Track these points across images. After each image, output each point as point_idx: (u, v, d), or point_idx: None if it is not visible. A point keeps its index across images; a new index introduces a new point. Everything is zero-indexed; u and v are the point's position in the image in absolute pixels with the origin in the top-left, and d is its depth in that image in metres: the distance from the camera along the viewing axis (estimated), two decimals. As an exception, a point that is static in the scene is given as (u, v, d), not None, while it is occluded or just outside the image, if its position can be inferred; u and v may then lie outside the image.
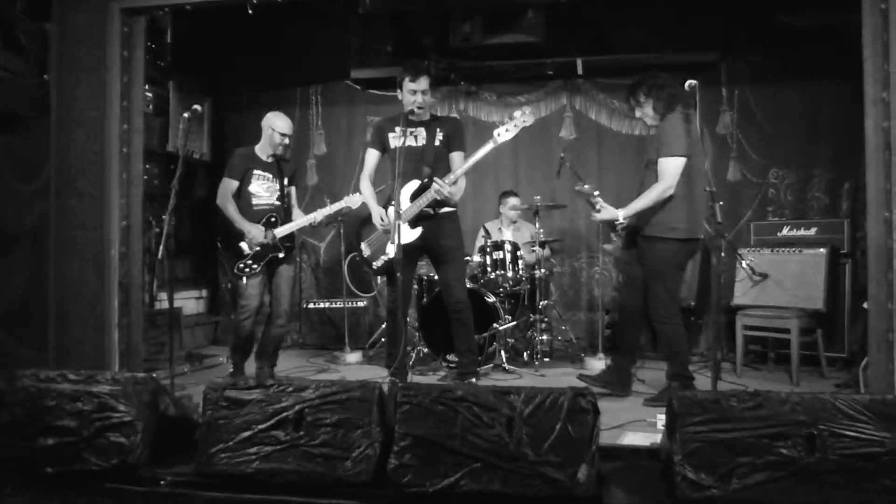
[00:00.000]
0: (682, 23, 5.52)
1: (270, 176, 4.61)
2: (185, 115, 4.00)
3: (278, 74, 6.50)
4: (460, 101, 6.41)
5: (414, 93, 3.97)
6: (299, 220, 4.61)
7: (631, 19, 5.62)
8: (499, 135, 3.82)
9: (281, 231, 4.52)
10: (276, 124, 4.56)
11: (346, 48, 6.17)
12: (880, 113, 3.68)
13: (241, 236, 4.49)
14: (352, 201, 4.61)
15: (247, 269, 4.47)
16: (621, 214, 3.81)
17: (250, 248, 4.49)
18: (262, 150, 4.63)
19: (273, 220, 4.53)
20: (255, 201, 4.57)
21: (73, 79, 4.51)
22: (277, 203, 4.60)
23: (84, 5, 4.50)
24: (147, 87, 5.49)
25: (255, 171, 4.58)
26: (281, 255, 4.51)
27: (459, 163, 4.01)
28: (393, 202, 3.78)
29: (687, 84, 3.36)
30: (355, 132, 6.60)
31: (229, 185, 4.55)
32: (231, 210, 4.50)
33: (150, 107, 5.80)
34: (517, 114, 3.82)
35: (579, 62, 5.86)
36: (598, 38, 5.77)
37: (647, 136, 4.00)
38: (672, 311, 3.87)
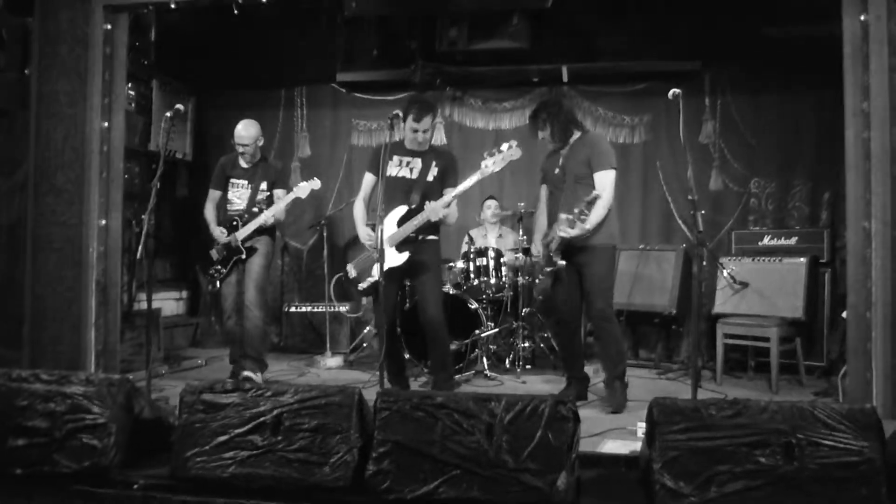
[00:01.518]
0: (665, 32, 5.56)
1: (245, 182, 4.71)
2: (168, 114, 3.95)
3: (263, 75, 6.46)
4: (446, 106, 6.41)
5: (416, 131, 4.01)
6: (256, 219, 4.58)
7: (615, 28, 5.65)
8: (486, 166, 3.82)
9: (241, 233, 4.59)
10: (236, 132, 4.66)
11: (331, 50, 6.15)
12: (860, 123, 3.73)
13: (210, 245, 4.68)
14: (302, 190, 4.61)
15: (217, 275, 4.68)
16: (588, 227, 3.86)
17: (218, 254, 4.65)
18: (244, 158, 4.75)
19: (234, 223, 4.63)
20: (229, 208, 4.74)
21: (54, 75, 4.46)
22: (244, 208, 4.67)
23: (67, 1, 4.45)
24: (130, 85, 5.45)
25: (232, 179, 4.74)
26: (243, 256, 4.63)
27: (453, 190, 4.03)
28: (382, 222, 3.81)
29: (670, 93, 3.38)
30: (340, 135, 6.58)
31: (212, 195, 4.80)
32: (209, 218, 4.75)
33: (133, 105, 5.74)
34: (505, 147, 3.82)
35: (564, 69, 5.88)
36: (582, 45, 5.80)
37: (561, 154, 4.13)
38: (613, 312, 4.16)
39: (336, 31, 6.01)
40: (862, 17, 3.70)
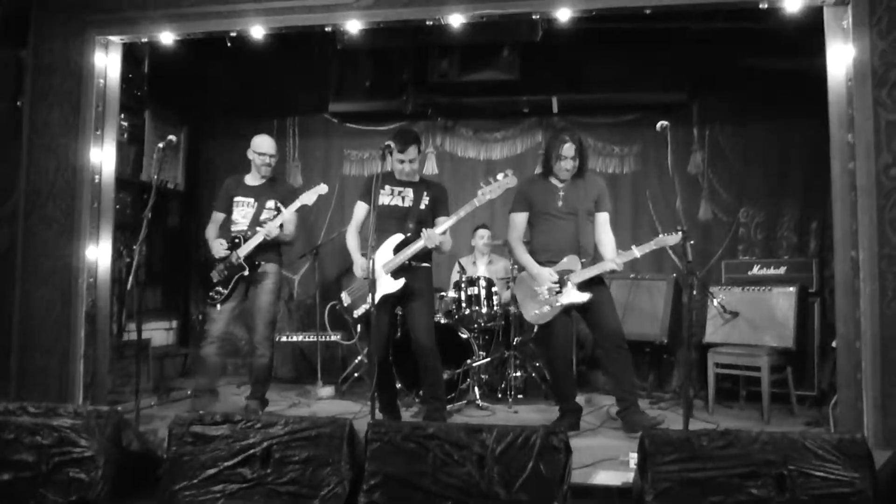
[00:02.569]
0: (653, 64, 5.65)
1: (251, 200, 4.58)
2: (160, 145, 3.97)
3: (256, 105, 6.50)
4: (437, 136, 6.47)
5: (402, 162, 4.08)
6: (257, 234, 4.42)
7: (604, 60, 5.74)
8: (483, 195, 3.93)
9: (243, 250, 4.43)
10: (256, 143, 4.59)
11: (324, 81, 6.21)
12: (846, 155, 3.78)
13: (211, 267, 4.52)
14: (308, 197, 4.47)
15: (217, 297, 4.48)
16: (620, 262, 4.08)
17: (219, 274, 4.50)
18: (252, 177, 4.66)
19: (237, 241, 4.48)
20: (233, 228, 4.59)
21: (47, 106, 4.48)
22: (248, 227, 4.51)
23: (61, 33, 4.49)
24: (122, 115, 5.46)
25: (237, 198, 4.60)
26: (246, 273, 4.43)
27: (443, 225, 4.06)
28: (378, 250, 3.83)
29: (658, 125, 3.42)
30: (332, 165, 6.61)
31: (215, 217, 4.66)
32: (208, 236, 4.59)
33: (125, 135, 5.76)
34: (500, 176, 3.93)
35: (554, 100, 5.96)
36: (572, 77, 5.88)
37: (557, 187, 4.23)
38: None
39: (328, 61, 6.08)
40: (846, 51, 3.77)
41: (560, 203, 4.16)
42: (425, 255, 4.09)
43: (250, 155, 4.62)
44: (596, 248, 4.26)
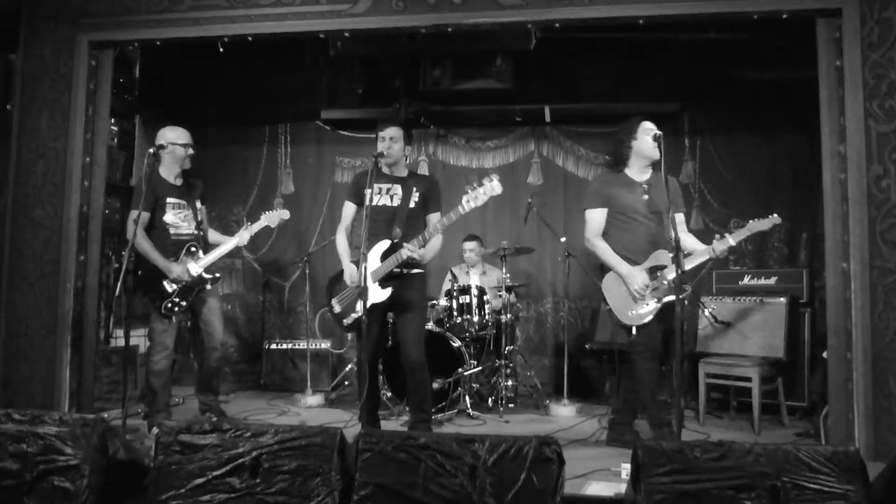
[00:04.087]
0: (645, 74, 5.69)
1: (184, 202, 4.34)
2: (151, 150, 3.93)
3: (247, 112, 6.48)
4: (430, 144, 6.46)
5: (382, 140, 3.97)
6: (222, 246, 4.37)
7: (597, 69, 5.77)
8: (467, 201, 3.73)
9: (205, 261, 4.32)
10: (170, 136, 4.27)
11: (316, 88, 6.20)
12: (837, 166, 3.80)
13: (160, 274, 4.20)
14: (270, 219, 4.48)
15: (176, 309, 4.23)
16: (720, 250, 3.80)
17: (174, 285, 4.22)
18: (169, 172, 4.33)
19: (193, 249, 4.30)
20: (172, 232, 4.27)
21: (36, 109, 4.46)
22: (195, 232, 4.35)
23: (52, 37, 4.47)
24: (113, 120, 5.43)
25: (169, 200, 4.27)
26: (209, 286, 4.32)
27: (436, 223, 3.98)
28: (365, 257, 3.77)
29: (651, 135, 3.42)
30: (324, 172, 6.59)
31: (141, 217, 3.99)
32: (147, 246, 4.15)
33: (115, 140, 5.73)
34: (486, 181, 3.74)
35: (547, 109, 5.98)
36: (565, 86, 5.91)
37: (640, 185, 3.96)
38: None
39: (321, 69, 6.07)
40: (837, 63, 3.79)
41: (646, 199, 3.91)
42: (415, 261, 3.97)
43: (168, 148, 4.21)
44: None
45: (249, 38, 4.35)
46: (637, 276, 3.84)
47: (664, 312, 3.84)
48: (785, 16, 3.86)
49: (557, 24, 4.10)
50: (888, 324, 3.62)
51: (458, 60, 5.68)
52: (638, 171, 3.99)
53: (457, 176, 6.39)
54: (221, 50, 4.57)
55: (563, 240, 5.30)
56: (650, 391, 3.90)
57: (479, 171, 6.33)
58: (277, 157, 6.65)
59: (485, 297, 5.15)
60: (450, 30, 4.19)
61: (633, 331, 3.89)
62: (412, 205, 4.00)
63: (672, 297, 3.66)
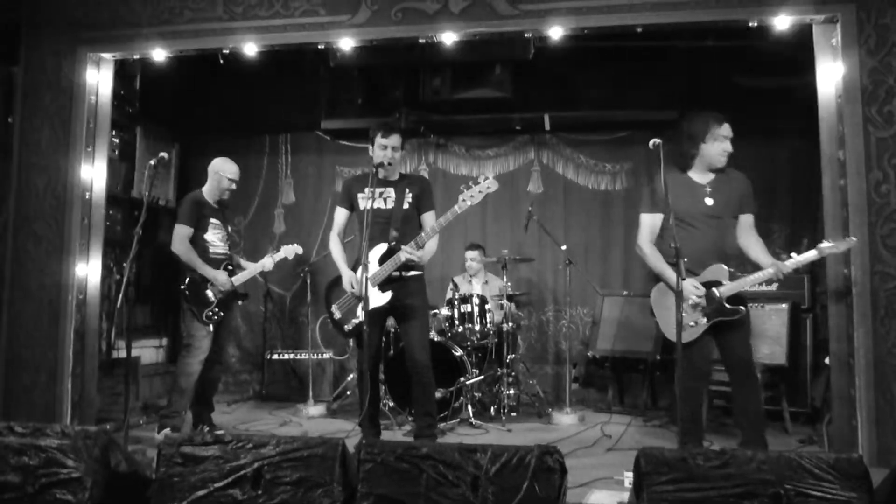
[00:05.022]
0: (644, 81, 5.70)
1: (220, 224, 4.65)
2: (152, 162, 3.94)
3: (248, 122, 6.51)
4: (430, 153, 6.48)
5: (385, 148, 3.96)
6: (252, 267, 4.67)
7: (595, 77, 5.78)
8: (463, 200, 3.78)
9: (238, 279, 4.57)
10: (226, 169, 4.60)
11: (316, 99, 6.22)
12: (836, 171, 3.81)
13: (204, 284, 4.46)
14: (289, 252, 4.81)
15: (215, 317, 4.47)
16: (786, 269, 3.49)
17: (216, 294, 4.48)
18: (210, 195, 4.62)
19: (230, 268, 4.59)
20: (211, 250, 4.55)
21: (37, 122, 4.47)
22: (228, 252, 4.69)
23: (53, 50, 4.49)
24: (114, 132, 5.44)
25: (211, 220, 4.57)
26: (240, 302, 4.59)
27: (430, 222, 3.99)
28: (361, 264, 3.77)
29: (651, 143, 3.44)
30: (324, 182, 6.61)
31: (186, 231, 4.46)
32: (193, 257, 4.43)
33: (116, 152, 5.74)
34: (481, 179, 3.78)
35: (546, 117, 5.99)
36: (564, 95, 5.92)
37: (702, 185, 3.67)
38: None
39: (321, 79, 6.09)
40: (835, 69, 3.80)
41: (709, 203, 3.54)
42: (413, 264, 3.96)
43: (216, 176, 4.59)
44: (741, 254, 3.68)
45: (250, 51, 4.36)
46: (690, 290, 3.46)
47: (717, 333, 3.52)
48: (782, 22, 3.87)
49: (556, 34, 4.11)
50: (890, 329, 3.62)
51: (457, 70, 5.70)
52: (700, 174, 3.67)
53: (457, 184, 6.34)
54: (222, 62, 4.60)
55: (563, 248, 5.30)
56: (690, 412, 3.49)
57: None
58: (278, 166, 6.67)
59: (486, 306, 5.15)
60: (448, 41, 4.21)
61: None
62: (406, 206, 4.01)
63: (726, 317, 3.45)
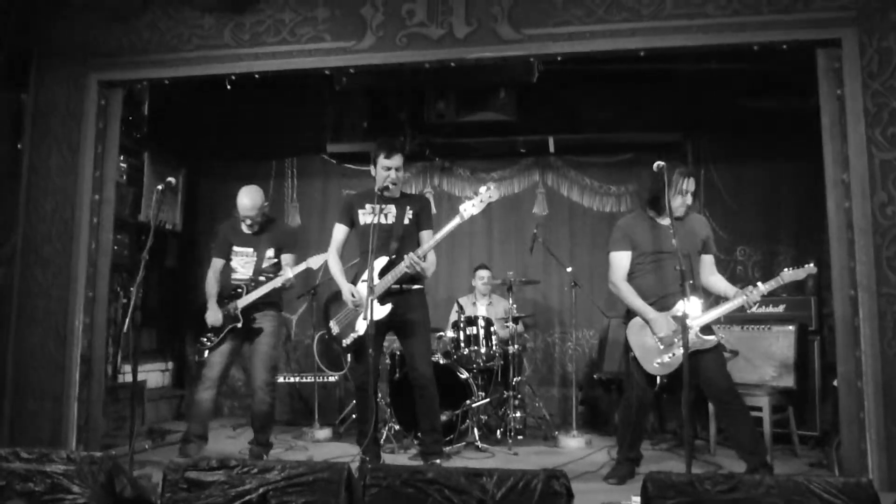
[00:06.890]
0: (648, 104, 5.73)
1: (250, 250, 4.51)
2: (159, 186, 3.97)
3: (254, 147, 6.56)
4: (434, 176, 6.51)
5: (388, 169, 3.99)
6: (260, 288, 4.41)
7: (600, 100, 5.82)
8: (465, 210, 3.81)
9: (242, 301, 4.41)
10: (239, 204, 4.45)
11: (321, 122, 6.27)
12: (841, 194, 3.80)
13: (205, 313, 4.48)
14: (314, 262, 4.46)
15: (208, 343, 4.44)
16: (753, 297, 3.79)
17: (212, 323, 4.45)
18: (238, 222, 4.57)
19: (239, 291, 4.45)
20: (233, 276, 4.53)
21: (46, 148, 4.51)
22: (250, 276, 4.47)
23: (62, 76, 4.54)
24: (121, 157, 5.49)
25: (235, 247, 4.53)
26: (239, 325, 4.39)
27: (429, 240, 4.01)
28: (362, 279, 3.77)
29: (655, 166, 3.44)
30: (330, 205, 6.63)
31: (215, 264, 4.56)
32: (207, 288, 4.51)
33: (124, 177, 5.79)
34: (482, 189, 3.81)
35: (551, 140, 6.03)
36: (568, 117, 5.96)
37: (664, 226, 3.84)
38: None
39: (326, 103, 6.15)
40: (839, 92, 3.82)
41: (674, 242, 3.58)
42: (414, 276, 3.94)
43: (236, 209, 4.52)
44: (705, 292, 3.93)
45: (256, 76, 4.41)
46: (662, 323, 3.70)
47: (693, 364, 3.59)
48: (785, 46, 3.89)
49: (559, 58, 4.15)
50: (898, 351, 3.59)
51: (461, 93, 5.75)
52: (664, 219, 3.86)
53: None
54: (229, 87, 4.65)
55: (569, 270, 5.30)
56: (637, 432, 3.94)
57: (485, 202, 6.37)
58: (284, 190, 6.71)
59: (492, 328, 5.15)
60: (453, 64, 4.24)
61: (658, 381, 3.85)
62: (406, 222, 4.05)
63: (702, 347, 3.66)
